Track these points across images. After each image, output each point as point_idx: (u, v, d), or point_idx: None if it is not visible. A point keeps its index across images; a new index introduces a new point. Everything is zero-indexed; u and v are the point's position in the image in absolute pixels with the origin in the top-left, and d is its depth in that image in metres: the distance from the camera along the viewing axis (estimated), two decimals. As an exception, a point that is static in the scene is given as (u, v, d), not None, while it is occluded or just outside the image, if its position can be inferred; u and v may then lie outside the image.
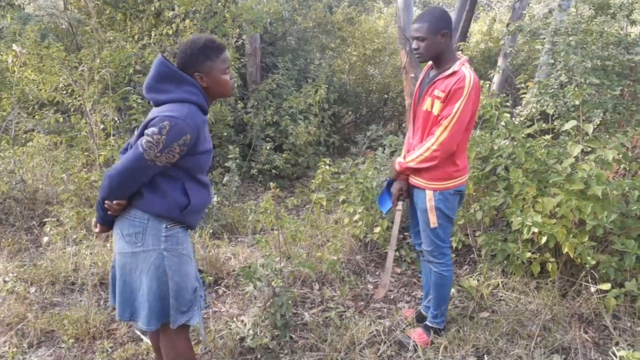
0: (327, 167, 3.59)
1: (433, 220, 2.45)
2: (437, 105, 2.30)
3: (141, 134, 1.75)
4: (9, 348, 2.55)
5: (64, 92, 4.51)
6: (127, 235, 1.84)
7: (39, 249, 3.68)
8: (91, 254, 3.36)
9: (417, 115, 2.48)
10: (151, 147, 1.69)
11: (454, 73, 2.27)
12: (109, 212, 1.85)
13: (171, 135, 1.69)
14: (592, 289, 2.93)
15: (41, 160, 4.36)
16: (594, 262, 2.81)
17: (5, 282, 3.00)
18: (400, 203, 2.60)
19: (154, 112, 1.77)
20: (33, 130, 4.72)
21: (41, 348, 2.61)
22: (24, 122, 4.68)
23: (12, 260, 3.39)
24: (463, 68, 2.27)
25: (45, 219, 3.66)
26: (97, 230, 1.96)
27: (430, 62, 2.50)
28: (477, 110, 2.39)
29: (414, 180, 2.48)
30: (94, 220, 1.96)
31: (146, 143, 1.69)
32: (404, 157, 2.45)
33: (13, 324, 2.74)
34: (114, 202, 1.80)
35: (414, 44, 2.34)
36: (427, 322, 2.71)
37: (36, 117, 4.73)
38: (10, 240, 3.67)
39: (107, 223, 1.91)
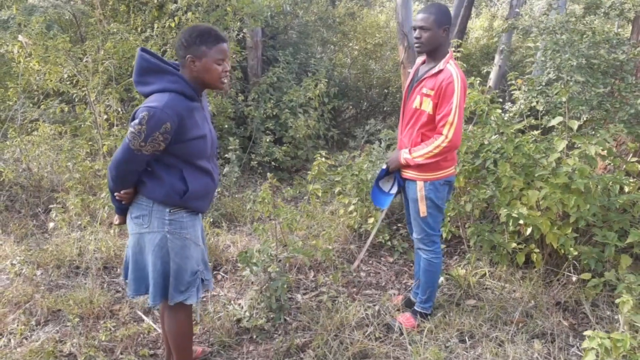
0: (323, 159, 3.71)
1: (423, 210, 2.57)
2: (427, 103, 2.42)
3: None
4: (18, 325, 2.70)
5: (69, 82, 4.63)
6: (135, 217, 1.99)
7: (45, 235, 3.82)
8: (95, 239, 3.50)
9: (405, 112, 2.60)
10: (134, 137, 1.80)
11: (440, 71, 2.40)
12: (123, 202, 1.99)
13: (151, 125, 1.78)
14: (574, 279, 3.06)
15: (46, 149, 4.49)
16: (576, 253, 2.93)
17: (12, 264, 3.14)
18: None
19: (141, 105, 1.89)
20: (38, 119, 4.85)
21: (48, 325, 2.76)
22: (29, 112, 4.81)
23: (19, 245, 3.54)
24: (448, 66, 2.40)
25: (51, 206, 3.80)
26: (117, 222, 2.11)
27: (420, 60, 2.62)
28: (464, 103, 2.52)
29: (406, 172, 2.61)
30: (115, 217, 2.11)
31: (130, 134, 1.81)
32: (410, 152, 2.53)
33: (21, 302, 2.89)
34: (122, 192, 1.94)
35: (417, 33, 2.44)
36: (415, 307, 2.84)
37: (41, 107, 4.85)
38: (17, 225, 3.81)
39: (124, 213, 2.05)
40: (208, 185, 2.04)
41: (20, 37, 4.21)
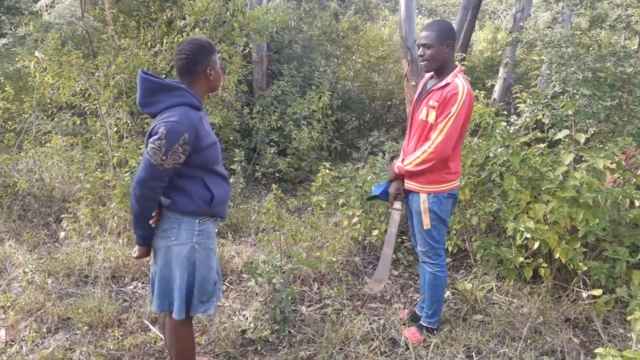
0: (327, 171, 3.73)
1: (426, 222, 2.57)
2: (432, 115, 2.45)
3: (147, 146, 1.90)
4: (30, 332, 2.74)
5: (81, 96, 4.73)
6: (162, 231, 2.00)
7: (56, 243, 3.88)
8: (104, 249, 3.55)
9: (413, 124, 2.62)
10: (155, 152, 1.84)
11: (447, 84, 2.42)
12: (150, 221, 1.98)
13: (170, 138, 1.83)
14: (584, 295, 3.01)
15: (58, 160, 4.58)
16: (585, 268, 2.88)
17: (25, 272, 3.19)
18: (397, 203, 2.73)
19: (154, 122, 1.92)
20: (51, 131, 4.95)
21: (58, 333, 2.80)
22: (43, 124, 4.91)
23: (32, 253, 3.60)
24: (456, 79, 2.43)
25: (62, 216, 3.87)
26: (136, 254, 2.07)
27: (429, 74, 2.64)
28: (470, 117, 2.53)
29: (409, 184, 2.61)
30: (135, 248, 2.06)
31: (150, 150, 1.85)
32: (402, 161, 2.59)
33: (33, 310, 2.93)
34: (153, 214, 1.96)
35: (420, 51, 2.47)
36: (421, 322, 2.81)
37: (55, 119, 4.96)
38: (29, 234, 3.88)
39: (147, 244, 2.03)
40: (227, 190, 2.11)
41: (36, 53, 4.33)
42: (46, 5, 8.38)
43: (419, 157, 2.47)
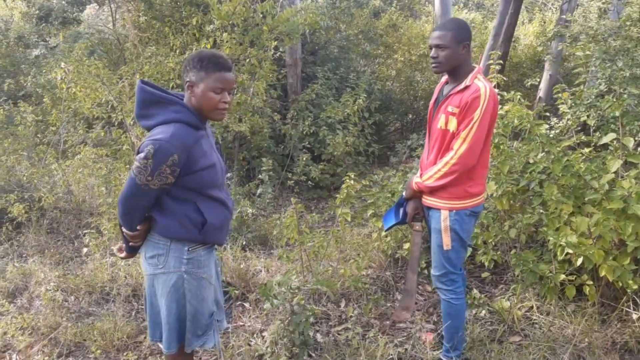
0: (352, 182, 3.55)
1: (447, 242, 2.34)
2: (453, 122, 2.22)
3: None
4: (41, 356, 2.69)
5: (108, 107, 4.75)
6: (149, 257, 1.89)
7: (81, 258, 3.89)
8: (126, 264, 3.50)
9: (431, 134, 2.40)
10: (140, 172, 1.71)
11: (466, 87, 2.19)
12: (130, 244, 1.90)
13: (157, 158, 1.69)
14: (634, 316, 2.70)
15: (88, 173, 4.62)
16: (635, 287, 2.60)
17: (47, 290, 3.19)
18: (417, 223, 2.52)
19: (145, 138, 1.80)
20: (82, 143, 5.02)
21: (69, 358, 2.74)
22: (72, 136, 4.99)
23: (55, 270, 3.58)
24: (476, 81, 2.20)
25: (85, 231, 3.87)
26: (122, 255, 2.02)
27: (444, 79, 2.42)
28: (495, 122, 2.29)
29: (428, 200, 2.38)
30: (119, 244, 2.02)
31: (136, 169, 1.72)
32: (421, 176, 2.36)
33: (48, 332, 2.88)
34: (132, 232, 1.85)
35: (433, 52, 2.24)
36: (441, 357, 2.57)
37: (80, 131, 5.03)
38: (52, 251, 3.90)
39: (133, 251, 1.98)
40: (224, 215, 1.95)
41: (62, 65, 4.38)
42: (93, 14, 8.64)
43: (441, 169, 2.24)
